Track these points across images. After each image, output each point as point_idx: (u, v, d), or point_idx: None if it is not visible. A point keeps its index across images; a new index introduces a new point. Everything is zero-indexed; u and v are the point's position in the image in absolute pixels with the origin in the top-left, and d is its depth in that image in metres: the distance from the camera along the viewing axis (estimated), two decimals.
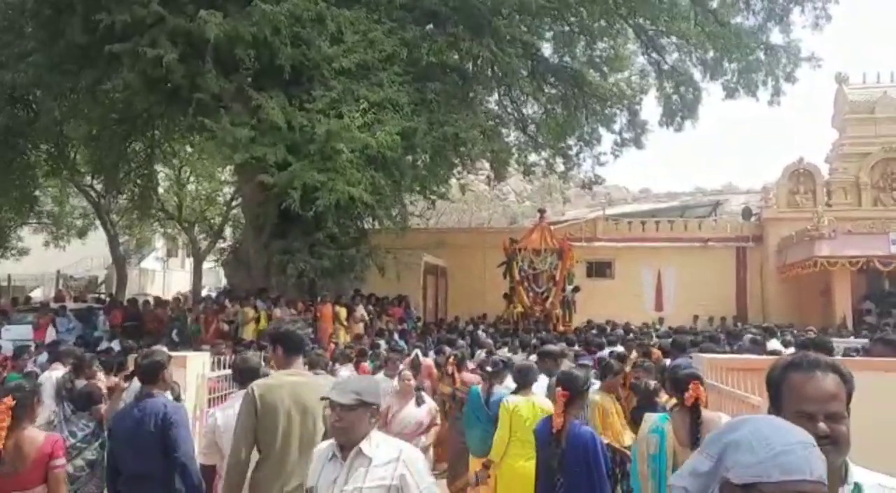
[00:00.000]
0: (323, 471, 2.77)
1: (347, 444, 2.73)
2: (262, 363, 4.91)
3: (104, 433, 4.93)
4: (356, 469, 2.68)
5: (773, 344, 9.50)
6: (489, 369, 6.02)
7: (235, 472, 3.47)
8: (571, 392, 3.94)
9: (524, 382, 5.11)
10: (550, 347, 7.08)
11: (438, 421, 6.05)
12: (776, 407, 1.70)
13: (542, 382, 5.64)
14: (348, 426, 2.71)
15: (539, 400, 5.01)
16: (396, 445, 2.79)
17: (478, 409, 5.60)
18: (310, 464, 2.96)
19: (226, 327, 12.98)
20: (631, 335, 12.52)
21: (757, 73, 18.09)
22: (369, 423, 2.75)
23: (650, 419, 4.08)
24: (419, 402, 5.96)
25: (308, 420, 3.51)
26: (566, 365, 6.15)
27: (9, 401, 3.59)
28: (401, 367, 6.36)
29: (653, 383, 5.13)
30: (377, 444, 2.74)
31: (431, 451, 5.97)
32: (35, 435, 3.70)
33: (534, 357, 7.36)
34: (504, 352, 9.48)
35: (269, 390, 3.54)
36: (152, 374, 4.08)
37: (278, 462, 3.46)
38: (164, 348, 5.17)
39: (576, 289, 18.26)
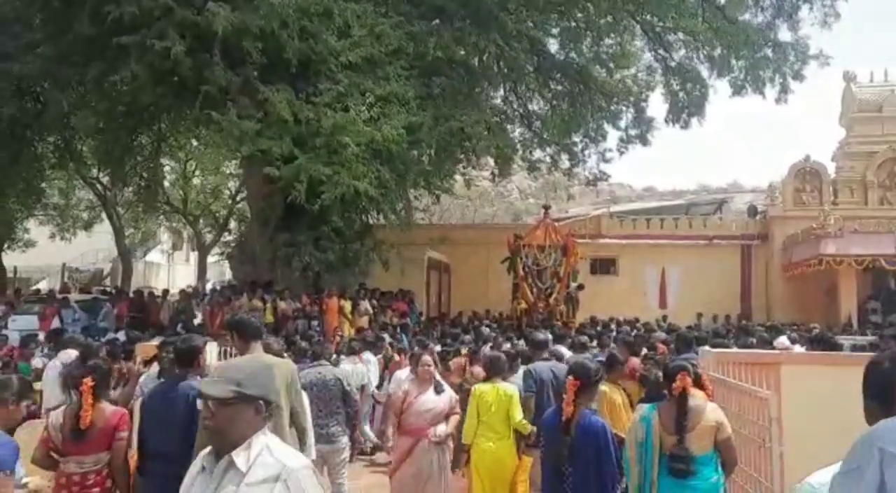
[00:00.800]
0: (193, 487, 2.21)
1: (223, 451, 2.14)
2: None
3: None
4: (224, 487, 2.09)
5: (783, 340, 9.49)
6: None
7: None
8: (582, 381, 3.96)
9: (493, 371, 5.63)
10: (537, 335, 7.25)
11: (458, 410, 5.83)
12: (887, 404, 1.52)
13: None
14: (221, 426, 2.12)
15: (503, 386, 5.53)
16: (281, 458, 2.14)
17: None
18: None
19: None
20: (635, 332, 12.54)
21: (764, 70, 18.06)
22: (253, 423, 2.15)
23: (640, 408, 4.28)
24: (438, 390, 5.75)
25: None
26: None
27: (89, 382, 4.04)
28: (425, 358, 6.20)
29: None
30: (257, 454, 2.11)
31: (451, 442, 5.81)
32: (105, 407, 4.15)
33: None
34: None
35: None
36: (189, 358, 4.26)
37: None
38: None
39: (580, 287, 18.25)
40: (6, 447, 3.15)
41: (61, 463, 4.09)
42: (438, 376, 6.01)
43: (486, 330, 13.18)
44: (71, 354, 7.26)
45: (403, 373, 7.46)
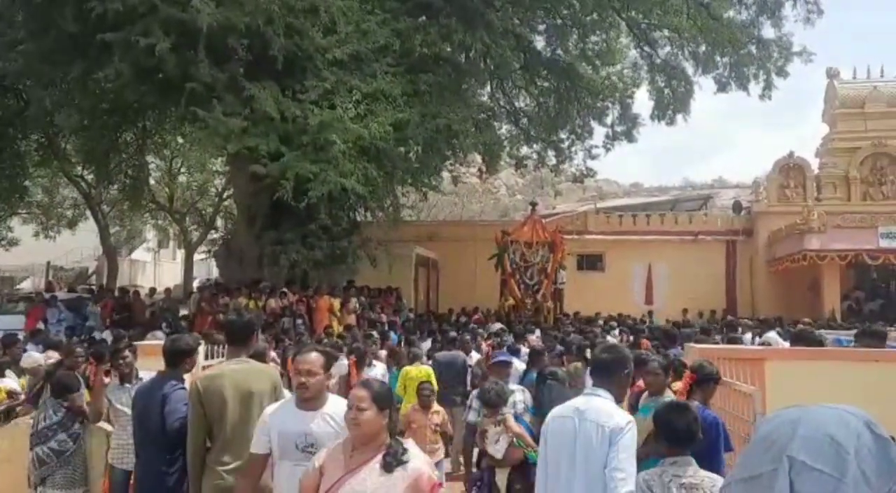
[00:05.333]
0: None
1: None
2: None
3: (76, 424, 5.01)
4: None
5: (773, 335, 9.62)
6: None
7: (194, 460, 3.75)
8: (698, 377, 4.21)
9: (394, 361, 8.26)
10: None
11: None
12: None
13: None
14: None
15: (421, 367, 7.62)
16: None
17: None
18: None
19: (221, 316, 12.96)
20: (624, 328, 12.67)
21: (748, 67, 18.21)
22: None
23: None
24: (389, 465, 2.70)
25: (253, 405, 3.70)
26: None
27: None
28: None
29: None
30: None
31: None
32: None
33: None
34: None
35: (210, 381, 3.77)
36: (176, 358, 4.29)
37: (221, 447, 3.71)
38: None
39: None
40: None
41: None
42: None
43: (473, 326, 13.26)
44: (36, 357, 7.25)
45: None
